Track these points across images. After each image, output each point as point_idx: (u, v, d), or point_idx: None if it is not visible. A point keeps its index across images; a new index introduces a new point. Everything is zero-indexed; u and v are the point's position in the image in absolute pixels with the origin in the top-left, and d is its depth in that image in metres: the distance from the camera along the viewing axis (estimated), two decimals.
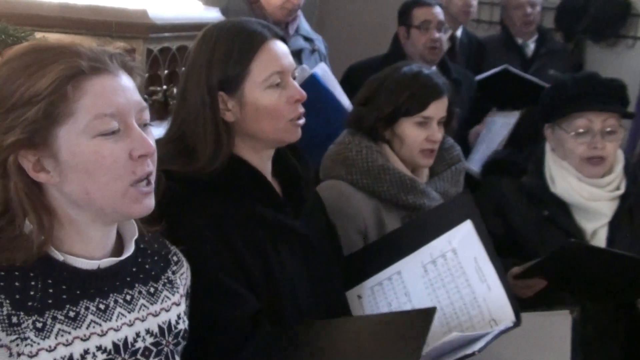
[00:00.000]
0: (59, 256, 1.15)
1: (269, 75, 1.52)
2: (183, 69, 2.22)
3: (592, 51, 4.41)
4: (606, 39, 4.30)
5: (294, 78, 1.57)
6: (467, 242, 1.73)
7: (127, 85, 1.16)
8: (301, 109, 1.57)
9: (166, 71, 2.17)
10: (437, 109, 2.03)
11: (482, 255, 1.71)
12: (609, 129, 2.20)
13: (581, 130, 2.20)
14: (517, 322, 1.61)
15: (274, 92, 1.53)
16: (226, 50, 1.51)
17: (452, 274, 1.72)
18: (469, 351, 1.51)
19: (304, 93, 1.56)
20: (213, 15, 2.40)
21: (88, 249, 1.18)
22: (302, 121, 1.58)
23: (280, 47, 1.56)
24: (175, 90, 2.18)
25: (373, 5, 5.46)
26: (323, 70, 2.73)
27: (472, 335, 1.56)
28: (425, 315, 1.46)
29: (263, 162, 1.60)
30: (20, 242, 1.11)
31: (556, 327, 1.96)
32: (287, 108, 1.54)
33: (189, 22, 2.24)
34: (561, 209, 2.24)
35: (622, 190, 2.25)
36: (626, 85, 2.30)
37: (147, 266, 1.28)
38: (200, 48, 1.55)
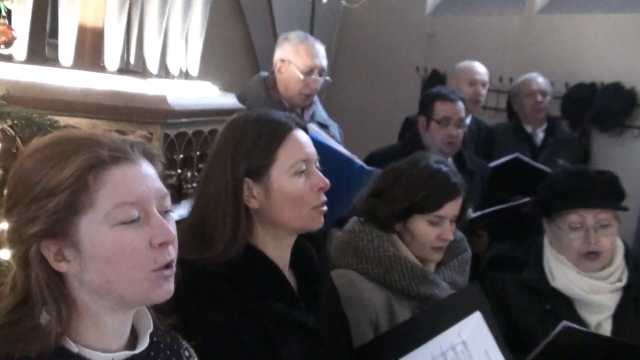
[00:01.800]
0: (74, 348, 1.13)
1: (295, 162, 1.56)
2: (198, 153, 2.28)
3: (598, 140, 4.47)
4: (612, 129, 4.36)
5: (317, 167, 1.61)
6: (477, 334, 1.73)
7: (148, 173, 1.17)
8: (324, 198, 1.60)
9: (181, 155, 2.20)
10: (452, 208, 2.02)
11: (493, 347, 1.70)
12: (602, 223, 2.20)
13: (574, 226, 2.21)
14: None
15: (299, 179, 1.56)
16: (253, 139, 1.55)
17: None
18: None
19: (327, 182, 1.59)
20: (229, 101, 2.45)
21: (103, 339, 1.16)
22: (325, 209, 1.60)
23: (304, 137, 1.62)
24: (189, 174, 2.21)
25: (378, 91, 5.59)
26: (314, 130, 2.73)
27: None
28: None
29: (282, 252, 1.61)
30: (37, 333, 1.10)
31: None
32: (311, 195, 1.57)
33: (206, 108, 2.29)
34: (563, 302, 2.22)
35: (624, 282, 2.22)
36: (617, 177, 2.29)
37: None
38: (226, 137, 1.59)
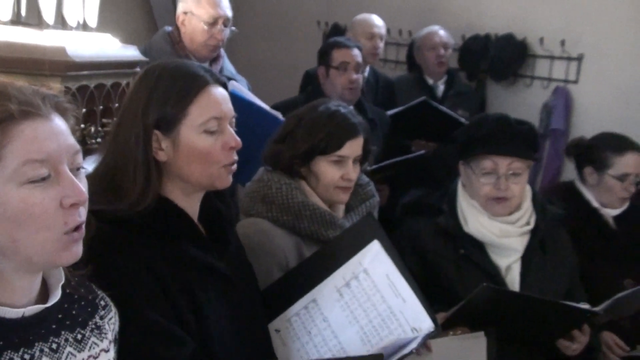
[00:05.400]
0: None
1: (207, 120, 1.52)
2: (101, 107, 2.22)
3: (493, 89, 4.65)
4: (506, 78, 4.54)
5: (232, 126, 1.58)
6: (377, 260, 1.80)
7: (59, 129, 1.12)
8: (234, 157, 1.57)
9: (84, 110, 2.13)
10: (353, 148, 2.06)
11: (393, 270, 1.78)
12: (513, 172, 2.28)
13: (485, 171, 2.29)
14: (436, 327, 1.71)
15: (209, 137, 1.53)
16: (166, 90, 1.51)
17: (367, 293, 1.78)
18: (406, 350, 1.64)
19: (239, 141, 1.56)
20: (131, 53, 2.38)
21: (12, 297, 1.13)
22: (234, 167, 1.59)
23: (220, 93, 1.57)
24: (92, 129, 2.15)
25: (279, 45, 5.57)
26: (233, 86, 2.72)
27: (404, 340, 1.68)
28: None
29: (191, 205, 1.60)
30: None
31: (471, 349, 2.04)
32: (221, 154, 1.54)
33: (108, 60, 2.22)
34: (476, 247, 2.31)
35: (531, 225, 2.33)
36: (535, 128, 2.39)
37: (73, 312, 1.24)
38: (140, 85, 1.54)
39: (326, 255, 1.88)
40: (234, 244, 1.73)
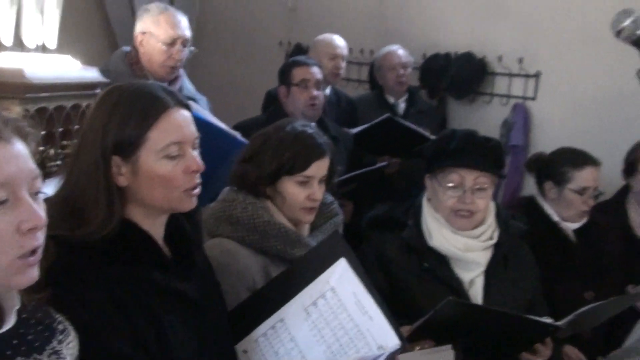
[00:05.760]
0: None
1: (167, 145, 1.49)
2: (60, 129, 2.20)
3: (453, 107, 4.71)
4: (466, 96, 4.61)
5: (195, 148, 1.55)
6: (344, 279, 1.79)
7: (20, 153, 1.11)
8: (197, 180, 1.55)
9: (43, 132, 2.10)
10: (319, 168, 2.06)
11: (360, 288, 1.77)
12: (479, 186, 2.30)
13: (451, 185, 2.30)
14: (402, 344, 1.71)
15: (170, 162, 1.50)
16: (125, 113, 1.47)
17: (334, 312, 1.77)
18: None
19: (201, 164, 1.53)
20: (91, 75, 2.37)
21: None
22: (197, 191, 1.56)
23: (182, 116, 1.53)
24: (52, 152, 2.13)
25: (241, 65, 5.58)
26: (196, 108, 2.71)
27: (369, 357, 1.68)
28: None
29: (156, 228, 1.57)
30: None
31: None
32: (182, 178, 1.51)
33: (67, 81, 2.20)
34: (440, 261, 2.31)
35: (495, 240, 2.34)
36: (501, 145, 2.42)
37: (29, 337, 1.20)
38: (100, 108, 1.50)
39: (293, 274, 1.86)
40: (200, 264, 1.70)
